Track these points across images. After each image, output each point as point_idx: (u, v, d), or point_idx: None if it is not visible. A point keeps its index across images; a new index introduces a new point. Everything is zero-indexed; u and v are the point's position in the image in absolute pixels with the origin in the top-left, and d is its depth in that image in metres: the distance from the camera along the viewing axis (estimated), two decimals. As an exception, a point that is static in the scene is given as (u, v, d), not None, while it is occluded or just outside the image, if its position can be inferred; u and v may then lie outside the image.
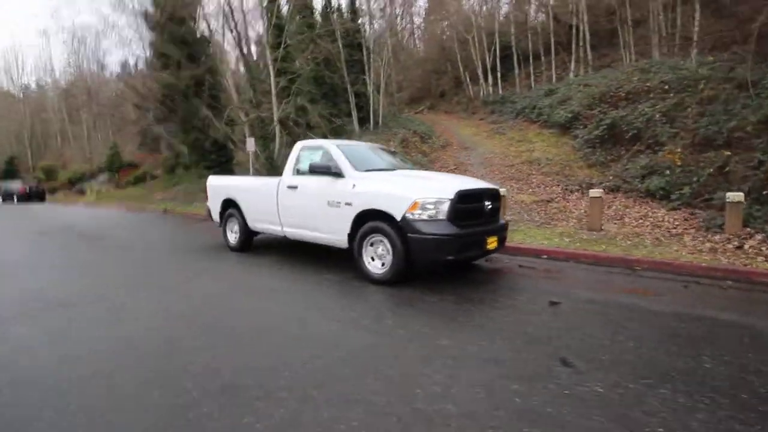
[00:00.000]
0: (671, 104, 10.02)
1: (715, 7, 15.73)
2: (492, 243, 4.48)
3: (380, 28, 20.22)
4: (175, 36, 13.57)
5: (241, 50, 14.97)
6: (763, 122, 6.46)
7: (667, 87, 10.83)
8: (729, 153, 6.63)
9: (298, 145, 5.67)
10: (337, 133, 17.31)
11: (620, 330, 3.09)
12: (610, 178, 9.37)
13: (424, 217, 4.06)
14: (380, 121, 19.89)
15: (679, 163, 7.22)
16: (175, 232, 10.00)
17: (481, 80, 23.97)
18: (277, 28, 15.40)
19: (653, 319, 3.35)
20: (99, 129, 38.55)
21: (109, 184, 26.94)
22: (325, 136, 15.10)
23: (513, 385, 2.27)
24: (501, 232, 4.72)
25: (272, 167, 15.34)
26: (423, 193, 4.13)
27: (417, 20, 29.25)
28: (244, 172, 15.96)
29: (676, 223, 6.21)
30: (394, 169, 5.16)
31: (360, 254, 4.55)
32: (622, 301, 3.83)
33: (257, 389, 2.26)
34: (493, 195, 4.69)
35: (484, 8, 26.55)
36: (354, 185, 4.60)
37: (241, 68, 15.43)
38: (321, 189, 4.98)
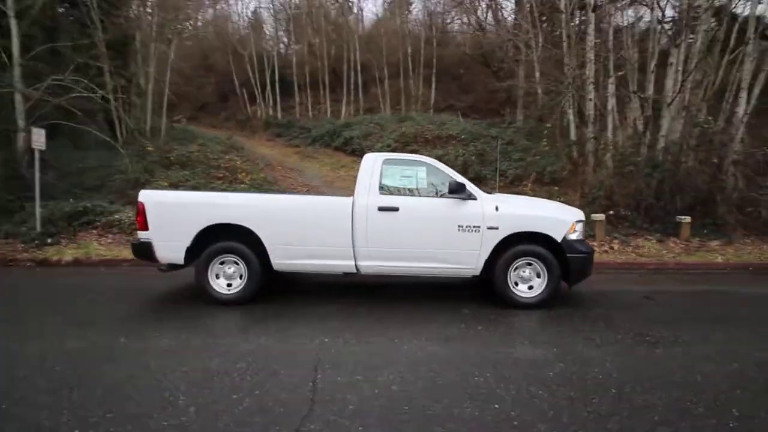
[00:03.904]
0: (475, 150, 13.65)
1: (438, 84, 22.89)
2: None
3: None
4: None
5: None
6: (570, 169, 10.29)
7: (464, 137, 14.61)
8: (557, 188, 10.13)
9: (376, 158, 4.68)
10: (77, 137, 12.37)
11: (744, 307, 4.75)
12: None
13: (575, 237, 4.51)
14: (162, 128, 16.02)
15: (531, 194, 10.28)
16: None
17: (259, 100, 23.39)
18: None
19: (728, 297, 5.23)
20: None
21: None
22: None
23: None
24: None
25: (13, 174, 9.82)
26: (574, 215, 4.57)
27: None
28: None
29: (555, 236, 8.92)
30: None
31: (505, 280, 4.39)
32: (665, 289, 5.55)
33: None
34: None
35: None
36: (497, 207, 4.41)
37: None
38: (445, 212, 4.41)
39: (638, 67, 9.87)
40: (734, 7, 10.24)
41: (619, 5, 10.46)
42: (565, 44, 13.06)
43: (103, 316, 4.05)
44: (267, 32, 27.62)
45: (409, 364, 2.93)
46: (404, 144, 15.36)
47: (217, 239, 4.46)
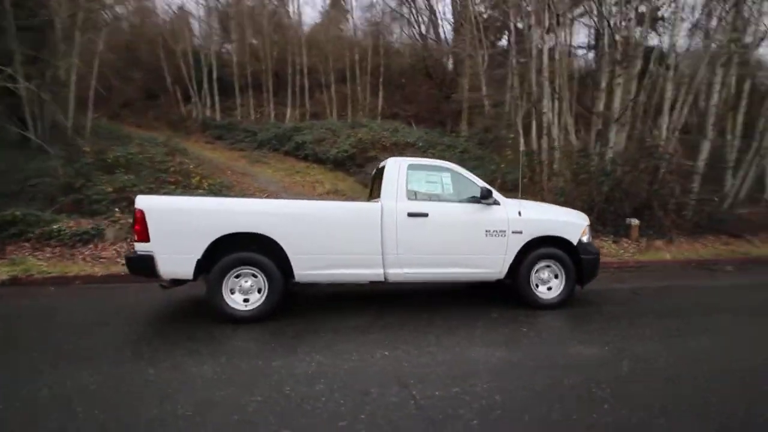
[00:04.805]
0: (434, 158, 14.00)
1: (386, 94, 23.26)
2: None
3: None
4: None
5: None
6: (529, 177, 10.97)
7: (421, 144, 14.93)
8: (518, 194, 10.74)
9: (401, 162, 4.57)
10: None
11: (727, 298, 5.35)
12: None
13: (586, 239, 4.80)
14: (88, 127, 14.18)
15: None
16: None
17: (195, 99, 21.85)
18: None
19: (696, 290, 5.82)
20: None
21: None
22: None
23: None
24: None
25: None
26: (584, 219, 4.87)
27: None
28: None
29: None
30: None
31: (528, 283, 4.53)
32: (640, 285, 6.10)
33: None
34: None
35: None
36: (520, 212, 4.55)
37: None
38: (473, 217, 4.46)
39: (587, 85, 10.87)
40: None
41: (566, 27, 11.45)
42: (513, 61, 14.02)
43: (102, 344, 3.42)
44: (198, 28, 25.94)
45: (492, 372, 2.87)
46: (362, 150, 15.27)
47: (227, 250, 4.03)
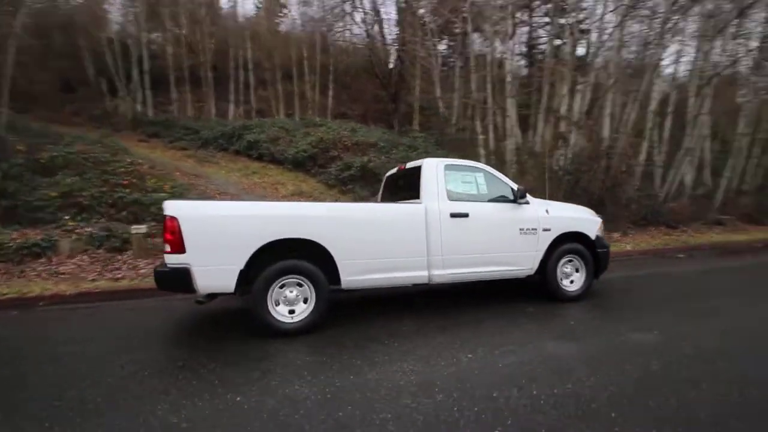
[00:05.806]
0: (399, 158, 14.11)
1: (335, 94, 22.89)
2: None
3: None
4: None
5: None
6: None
7: (383, 145, 14.95)
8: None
9: (438, 163, 4.54)
10: None
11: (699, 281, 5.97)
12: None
13: (600, 234, 5.15)
14: (2, 123, 12.22)
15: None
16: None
17: (123, 93, 19.78)
18: None
19: (676, 276, 6.45)
20: None
21: None
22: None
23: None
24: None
25: None
26: (597, 215, 5.20)
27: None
28: None
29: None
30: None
31: (555, 277, 4.76)
32: (624, 275, 6.67)
33: None
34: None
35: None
36: (547, 210, 4.76)
37: None
38: (508, 216, 4.58)
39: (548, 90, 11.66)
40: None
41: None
42: (471, 64, 14.60)
43: (145, 375, 2.94)
44: (124, 13, 23.52)
45: (585, 365, 2.95)
46: (324, 150, 14.86)
47: (267, 259, 3.69)
